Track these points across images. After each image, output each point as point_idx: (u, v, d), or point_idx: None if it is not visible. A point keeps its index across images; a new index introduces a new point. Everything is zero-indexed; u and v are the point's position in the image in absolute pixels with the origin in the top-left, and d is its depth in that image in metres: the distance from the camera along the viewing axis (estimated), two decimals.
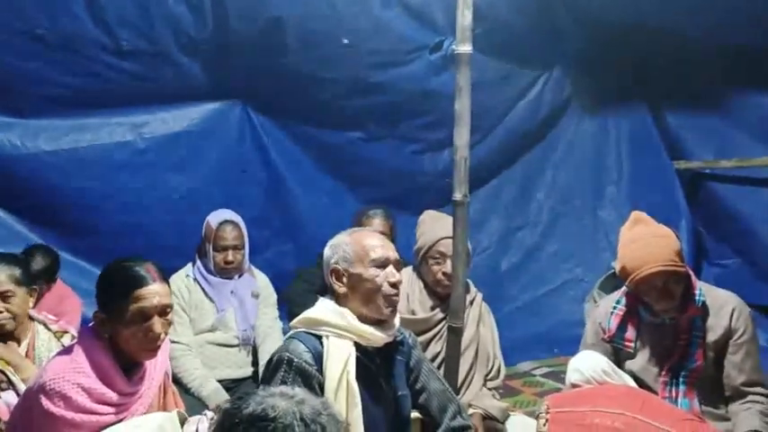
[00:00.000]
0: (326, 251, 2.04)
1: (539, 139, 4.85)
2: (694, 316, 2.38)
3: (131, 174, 3.87)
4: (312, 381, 1.87)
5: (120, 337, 1.85)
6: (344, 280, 1.98)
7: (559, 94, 4.71)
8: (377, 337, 1.96)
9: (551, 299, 4.68)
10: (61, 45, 3.52)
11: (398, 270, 2.04)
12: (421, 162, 4.52)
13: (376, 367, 1.99)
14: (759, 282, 4.17)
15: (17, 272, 2.41)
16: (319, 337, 1.94)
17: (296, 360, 1.87)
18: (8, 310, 2.34)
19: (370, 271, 1.96)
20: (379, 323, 1.98)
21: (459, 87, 2.38)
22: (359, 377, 1.91)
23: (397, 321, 2.04)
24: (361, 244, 2.00)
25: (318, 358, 1.90)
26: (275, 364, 1.90)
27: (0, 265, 2.40)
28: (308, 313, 2.00)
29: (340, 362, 1.88)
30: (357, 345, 1.94)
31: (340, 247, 2.01)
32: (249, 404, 1.27)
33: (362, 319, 1.96)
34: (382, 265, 1.98)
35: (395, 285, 1.98)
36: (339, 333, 1.94)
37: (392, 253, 2.03)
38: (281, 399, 1.28)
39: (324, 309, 1.99)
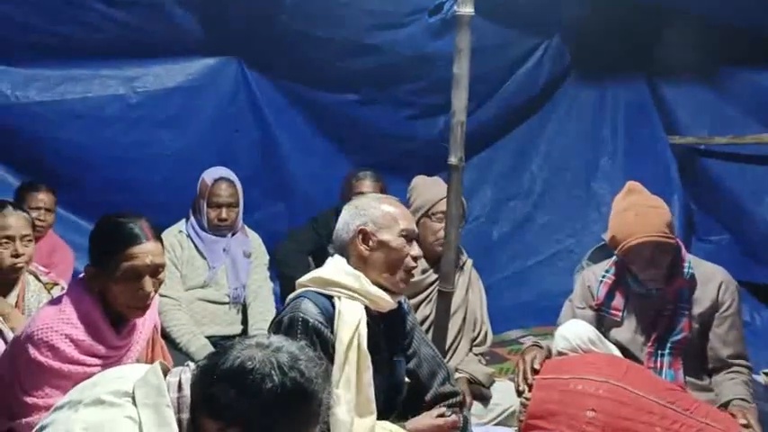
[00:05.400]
0: (350, 211, 1.98)
1: (535, 109, 4.80)
2: (681, 287, 2.40)
3: (122, 128, 3.80)
4: (328, 343, 1.82)
5: (109, 293, 1.84)
6: (371, 243, 1.92)
7: (558, 64, 4.64)
8: (388, 303, 1.93)
9: (540, 269, 4.68)
10: None
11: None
12: (415, 127, 4.46)
13: (378, 332, 1.95)
14: (747, 259, 4.18)
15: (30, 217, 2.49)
16: (330, 298, 1.88)
17: (311, 320, 1.82)
18: (27, 254, 2.38)
19: (399, 240, 1.93)
20: (387, 290, 1.93)
21: (458, 50, 2.35)
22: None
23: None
24: (392, 212, 1.96)
25: (330, 320, 1.85)
26: (288, 325, 1.83)
27: (19, 211, 2.45)
28: (320, 273, 1.94)
29: (352, 324, 1.84)
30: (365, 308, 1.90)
31: (369, 210, 1.95)
32: (227, 359, 1.26)
33: (374, 284, 1.92)
34: (409, 237, 1.95)
35: (416, 259, 1.96)
36: (352, 295, 1.89)
37: (416, 227, 2.03)
38: (258, 349, 1.27)
39: (338, 269, 1.93)
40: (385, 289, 1.93)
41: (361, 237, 1.93)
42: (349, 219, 1.97)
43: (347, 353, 1.82)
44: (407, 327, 2.10)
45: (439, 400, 2.08)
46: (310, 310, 1.84)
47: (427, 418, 2.02)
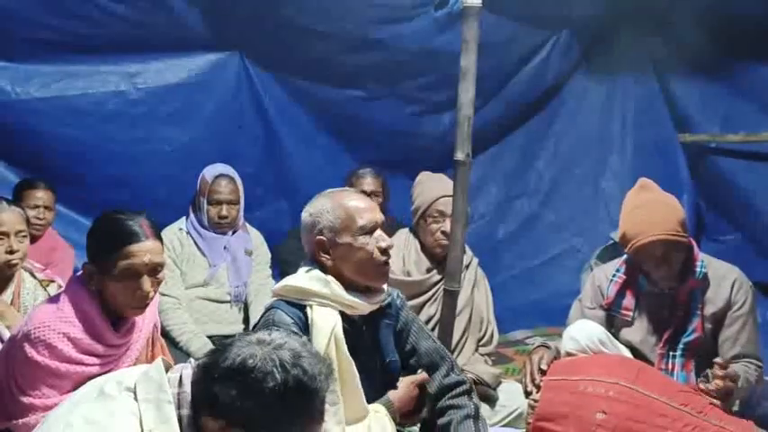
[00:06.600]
0: (306, 217, 1.90)
1: (542, 106, 4.73)
2: (694, 287, 2.35)
3: (123, 125, 3.74)
4: None
5: (107, 291, 1.80)
6: (332, 252, 1.85)
7: (567, 59, 4.57)
8: (363, 306, 1.86)
9: (547, 268, 4.63)
10: None
11: (385, 230, 1.91)
12: (420, 124, 4.41)
13: (362, 335, 1.90)
14: (759, 259, 4.11)
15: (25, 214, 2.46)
16: (302, 307, 1.83)
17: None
18: (21, 251, 2.34)
19: (360, 240, 1.84)
20: (368, 290, 1.88)
21: (465, 42, 2.31)
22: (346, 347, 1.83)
23: (385, 287, 1.93)
24: (346, 209, 1.85)
25: (304, 329, 1.79)
26: None
27: (13, 206, 2.42)
28: (290, 281, 1.87)
29: (326, 332, 1.79)
30: (342, 313, 1.84)
31: (323, 215, 1.86)
32: (226, 357, 1.24)
33: (349, 286, 1.85)
34: (371, 231, 1.85)
35: (385, 251, 1.86)
36: (323, 303, 1.83)
37: (378, 215, 1.90)
38: (259, 346, 1.25)
39: (307, 276, 1.86)
40: (366, 288, 1.87)
41: (318, 248, 1.86)
42: (306, 225, 1.89)
43: None
44: (400, 324, 2.01)
45: (445, 392, 2.01)
46: (284, 321, 1.79)
47: (402, 385, 1.96)
